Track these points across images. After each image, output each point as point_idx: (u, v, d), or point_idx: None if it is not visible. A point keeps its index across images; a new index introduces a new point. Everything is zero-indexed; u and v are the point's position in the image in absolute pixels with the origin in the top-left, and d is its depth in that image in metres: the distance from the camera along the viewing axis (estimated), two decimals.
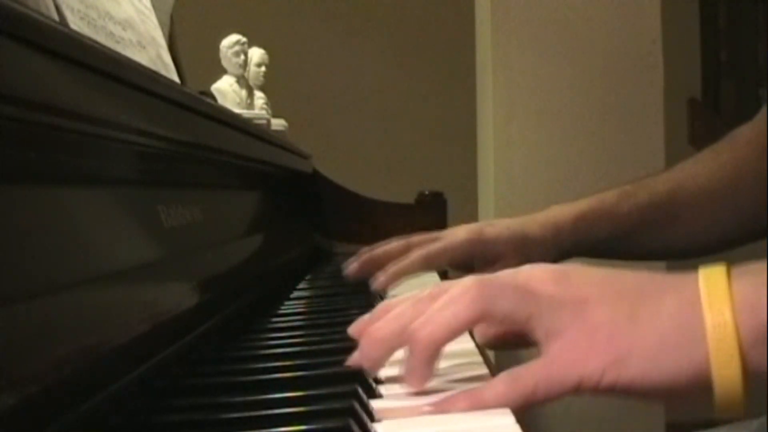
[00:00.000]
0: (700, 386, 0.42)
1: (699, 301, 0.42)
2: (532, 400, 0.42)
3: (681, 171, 0.84)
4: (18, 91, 0.35)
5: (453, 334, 0.44)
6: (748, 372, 0.41)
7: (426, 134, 2.66)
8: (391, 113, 2.67)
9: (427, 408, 0.42)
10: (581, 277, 0.46)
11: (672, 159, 1.75)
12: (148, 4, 0.82)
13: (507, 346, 0.51)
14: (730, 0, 2.27)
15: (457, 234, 0.82)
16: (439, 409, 0.42)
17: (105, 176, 0.50)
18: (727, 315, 0.41)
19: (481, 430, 0.39)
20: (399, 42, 2.69)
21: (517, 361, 0.44)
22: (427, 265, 0.80)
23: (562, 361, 0.42)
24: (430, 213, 1.27)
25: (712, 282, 0.42)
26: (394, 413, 0.41)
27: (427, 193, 1.30)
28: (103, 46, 0.48)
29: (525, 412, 0.42)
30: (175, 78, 0.83)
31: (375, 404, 0.42)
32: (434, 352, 0.44)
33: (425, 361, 0.44)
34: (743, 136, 0.81)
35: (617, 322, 0.43)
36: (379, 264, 0.80)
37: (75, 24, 0.60)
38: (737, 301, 0.41)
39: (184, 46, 1.04)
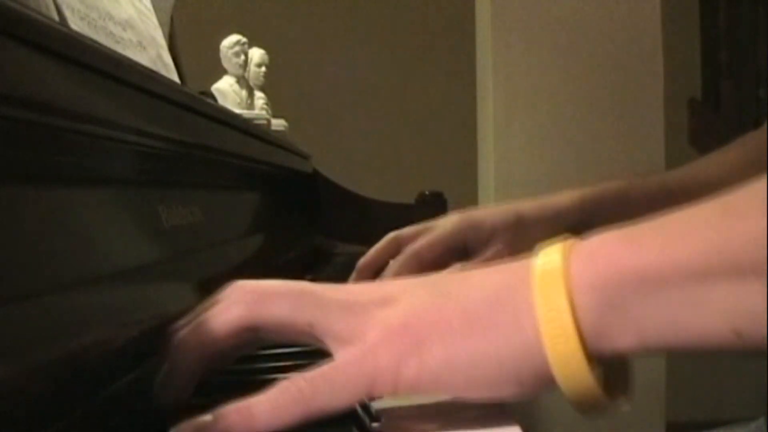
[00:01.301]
0: (528, 371, 0.33)
1: (528, 273, 0.34)
2: (310, 413, 0.35)
3: (691, 166, 0.83)
4: (18, 91, 0.35)
5: (218, 341, 0.39)
6: (598, 354, 0.33)
7: (426, 134, 2.66)
8: (391, 113, 2.67)
9: (187, 427, 0.35)
10: (392, 282, 0.40)
11: (672, 159, 1.76)
12: (149, 5, 0.82)
13: None
14: (730, 0, 2.27)
15: (446, 223, 0.79)
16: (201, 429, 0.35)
17: (105, 176, 0.50)
18: (560, 285, 0.33)
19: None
20: (399, 42, 2.69)
21: None
22: (419, 263, 0.77)
23: (348, 361, 0.35)
24: (430, 213, 1.27)
25: (547, 252, 0.35)
26: (394, 413, 0.41)
27: (427, 193, 1.30)
28: (103, 46, 0.48)
29: (524, 412, 0.40)
30: (175, 78, 0.83)
31: (375, 404, 0.42)
32: (197, 365, 0.39)
33: (186, 373, 0.39)
34: (752, 138, 0.80)
35: (415, 308, 0.35)
36: (376, 268, 0.79)
37: (75, 24, 0.60)
38: (574, 267, 0.34)
39: (184, 46, 1.04)
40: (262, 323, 0.38)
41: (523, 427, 0.38)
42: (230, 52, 1.18)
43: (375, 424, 0.39)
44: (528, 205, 0.80)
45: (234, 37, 1.19)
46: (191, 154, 0.67)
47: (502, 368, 0.34)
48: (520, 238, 0.77)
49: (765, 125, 0.78)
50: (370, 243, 0.85)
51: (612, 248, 0.34)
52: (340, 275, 0.84)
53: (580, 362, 0.32)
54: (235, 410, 0.35)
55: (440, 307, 0.35)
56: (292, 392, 0.35)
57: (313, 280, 0.96)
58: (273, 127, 1.23)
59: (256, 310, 0.38)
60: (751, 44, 2.27)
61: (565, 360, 0.32)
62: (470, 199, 1.83)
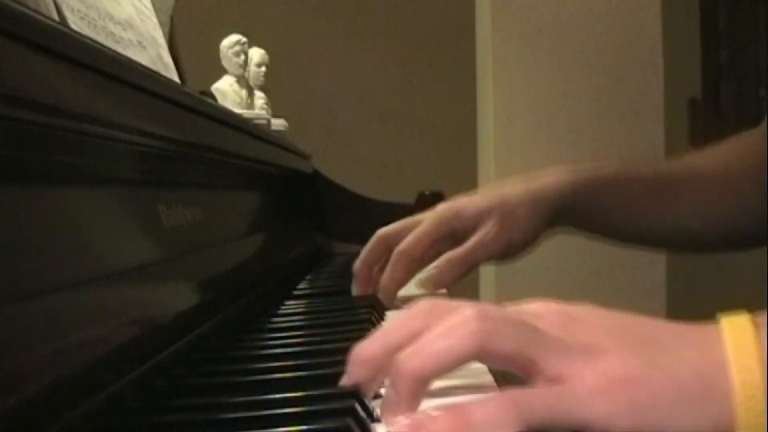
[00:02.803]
0: None
1: (724, 353, 0.38)
2: (526, 429, 0.36)
3: (687, 156, 0.83)
4: (18, 91, 0.35)
5: (443, 371, 0.38)
6: None
7: (426, 134, 2.66)
8: (391, 113, 2.67)
9: (404, 424, 0.36)
10: (593, 321, 0.41)
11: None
12: (149, 4, 0.82)
13: None
14: (730, 0, 2.27)
15: (430, 215, 0.78)
16: (417, 427, 0.36)
17: (105, 176, 0.50)
18: (756, 373, 0.37)
19: None
20: (399, 42, 2.69)
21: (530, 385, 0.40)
22: (410, 261, 0.76)
23: (570, 395, 0.37)
24: None
25: (737, 334, 0.38)
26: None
27: (427, 193, 1.30)
28: (104, 46, 0.48)
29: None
30: (175, 78, 0.83)
31: (375, 404, 0.42)
32: (419, 388, 0.38)
33: (408, 396, 0.38)
34: (749, 135, 0.80)
35: (634, 369, 0.38)
36: (368, 269, 0.79)
37: (75, 24, 0.60)
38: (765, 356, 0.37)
39: (184, 46, 1.04)
40: (488, 355, 0.38)
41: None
42: (230, 52, 1.18)
43: (375, 425, 0.39)
44: (513, 186, 0.80)
45: (234, 37, 1.19)
46: (191, 154, 0.67)
47: (697, 425, 0.37)
48: (508, 219, 0.76)
49: (763, 124, 0.78)
50: None
51: None
52: (341, 275, 0.84)
53: (763, 423, 0.37)
54: (452, 415, 0.36)
55: (656, 375, 0.38)
56: (508, 408, 0.36)
57: (313, 279, 0.96)
58: (273, 127, 1.23)
59: (487, 345, 0.38)
60: (751, 44, 2.27)
61: (754, 419, 0.37)
62: None
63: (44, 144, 0.40)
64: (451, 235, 0.78)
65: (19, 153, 0.38)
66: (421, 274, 0.77)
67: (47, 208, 0.40)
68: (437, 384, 0.41)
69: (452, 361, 0.38)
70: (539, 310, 0.41)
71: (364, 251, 0.80)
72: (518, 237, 0.78)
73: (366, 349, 0.42)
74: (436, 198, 1.29)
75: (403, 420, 0.36)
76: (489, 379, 0.47)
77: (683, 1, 2.07)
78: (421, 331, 0.39)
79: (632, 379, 0.37)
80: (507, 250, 0.78)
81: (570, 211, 0.79)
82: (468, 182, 1.90)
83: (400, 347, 0.39)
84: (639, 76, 1.71)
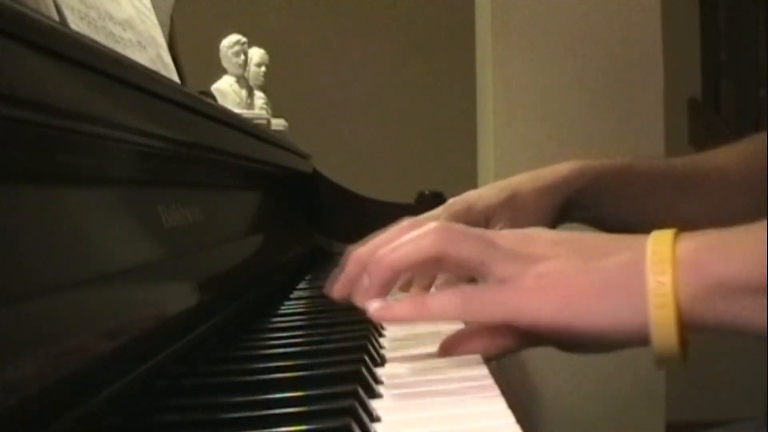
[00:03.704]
0: (637, 336, 0.45)
1: (644, 257, 0.45)
2: (470, 317, 0.49)
3: (698, 155, 0.83)
4: (18, 91, 0.35)
5: (410, 266, 0.50)
6: (685, 327, 0.44)
7: (426, 134, 2.66)
8: (391, 113, 2.67)
9: (376, 305, 0.49)
10: (542, 237, 0.49)
11: None
12: (148, 4, 0.82)
13: (507, 352, 0.52)
14: (730, 0, 2.27)
15: (439, 212, 0.77)
16: (384, 313, 0.49)
17: (105, 176, 0.50)
18: (667, 274, 0.44)
19: (481, 430, 0.39)
20: (399, 42, 2.69)
21: (530, 385, 0.46)
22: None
23: (509, 291, 0.46)
24: None
25: (659, 241, 0.45)
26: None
27: (427, 193, 1.30)
28: (103, 46, 0.48)
29: (525, 412, 0.41)
30: (175, 78, 0.83)
31: (375, 404, 0.42)
32: (391, 277, 0.49)
33: (380, 282, 0.49)
34: (759, 137, 0.80)
35: (565, 269, 0.46)
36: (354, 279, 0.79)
37: (75, 24, 0.60)
38: (680, 261, 0.44)
39: (184, 46, 1.04)
40: (447, 257, 0.48)
41: (523, 426, 0.38)
42: (230, 52, 1.18)
43: (375, 425, 0.40)
44: (523, 180, 0.80)
45: (234, 37, 1.19)
46: (191, 154, 0.67)
47: (618, 322, 0.45)
48: (519, 213, 0.76)
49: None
50: None
51: (706, 254, 0.44)
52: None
53: (672, 331, 0.44)
54: (414, 301, 0.49)
55: (585, 275, 0.46)
56: (458, 297, 0.47)
57: (313, 279, 0.96)
58: (273, 127, 1.23)
59: (447, 248, 0.48)
60: (751, 44, 2.27)
61: (663, 328, 0.44)
62: None
63: (44, 144, 0.40)
64: None
65: (19, 153, 0.38)
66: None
67: (47, 208, 0.40)
68: (438, 377, 0.47)
69: (418, 258, 0.49)
70: (501, 232, 0.51)
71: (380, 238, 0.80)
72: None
73: (359, 251, 0.53)
74: (436, 198, 1.29)
75: (375, 303, 0.49)
76: (485, 372, 0.47)
77: (683, 1, 2.07)
78: (434, 256, 0.49)
79: (562, 278, 0.46)
80: None
81: (579, 204, 0.79)
82: (468, 182, 1.89)
83: (414, 266, 0.50)
84: (639, 76, 1.70)
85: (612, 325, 0.45)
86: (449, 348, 0.51)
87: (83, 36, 0.46)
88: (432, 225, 0.49)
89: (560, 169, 0.80)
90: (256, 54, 1.28)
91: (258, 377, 0.48)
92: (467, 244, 0.48)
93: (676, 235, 0.46)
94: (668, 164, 0.81)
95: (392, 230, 0.53)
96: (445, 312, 0.48)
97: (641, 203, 0.79)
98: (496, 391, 0.43)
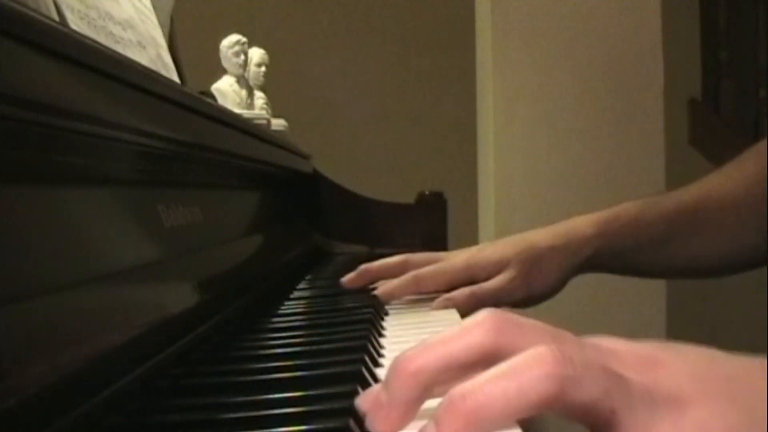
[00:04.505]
0: None
1: None
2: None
3: (706, 182, 0.81)
4: (18, 91, 0.35)
5: (506, 418, 0.31)
6: None
7: (426, 134, 2.66)
8: (391, 113, 2.67)
9: None
10: (676, 364, 0.35)
11: (672, 159, 1.76)
12: (148, 4, 0.82)
13: None
14: (730, 0, 2.27)
15: (456, 260, 0.78)
16: None
17: (105, 176, 0.50)
18: None
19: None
20: (399, 42, 2.69)
21: None
22: (416, 286, 0.77)
23: None
24: (430, 213, 1.27)
25: None
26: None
27: (427, 193, 1.30)
28: (103, 46, 0.48)
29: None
30: (175, 78, 0.83)
31: None
32: (496, 423, 0.31)
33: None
34: (759, 148, 0.79)
35: (728, 420, 0.32)
36: (376, 277, 0.79)
37: (75, 24, 0.60)
38: None
39: (184, 46, 1.04)
40: (565, 402, 0.31)
41: (523, 426, 0.38)
42: (230, 52, 1.18)
43: None
44: (540, 236, 0.79)
45: (234, 37, 1.19)
46: (191, 154, 0.67)
47: None
48: (534, 268, 0.76)
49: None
50: (370, 243, 0.85)
51: None
52: (340, 275, 0.84)
53: None
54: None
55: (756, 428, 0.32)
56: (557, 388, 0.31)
57: (313, 279, 0.96)
58: (273, 127, 1.23)
59: (566, 392, 0.31)
60: (751, 44, 2.27)
61: None
62: (470, 199, 1.83)
63: (44, 144, 0.40)
64: (470, 281, 0.77)
65: (19, 153, 0.38)
66: (437, 300, 0.75)
67: (47, 208, 0.40)
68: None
69: (521, 407, 0.31)
70: (617, 348, 0.34)
71: (384, 261, 0.80)
72: (540, 284, 0.78)
73: (418, 360, 0.33)
74: (436, 198, 1.29)
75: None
76: None
77: (683, 1, 2.07)
78: (488, 350, 0.33)
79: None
80: (530, 297, 0.78)
81: (594, 263, 0.80)
82: (468, 182, 1.90)
83: (460, 364, 0.33)
84: (639, 76, 1.71)
85: None
86: None
87: (83, 36, 0.46)
88: (540, 349, 0.31)
89: (579, 229, 0.79)
90: (256, 54, 1.28)
91: (258, 377, 0.47)
92: (592, 384, 0.31)
93: None
94: (678, 203, 0.80)
95: (473, 326, 0.34)
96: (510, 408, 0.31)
97: (656, 251, 0.79)
98: None
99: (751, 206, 0.77)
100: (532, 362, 0.31)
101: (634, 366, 0.33)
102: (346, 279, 0.80)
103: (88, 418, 0.36)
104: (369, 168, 2.48)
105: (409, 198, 1.31)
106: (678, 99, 1.95)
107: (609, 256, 0.79)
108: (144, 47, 0.75)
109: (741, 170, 0.79)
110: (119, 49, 0.67)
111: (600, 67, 1.70)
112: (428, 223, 1.24)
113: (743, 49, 2.28)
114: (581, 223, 0.79)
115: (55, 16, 0.58)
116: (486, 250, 0.79)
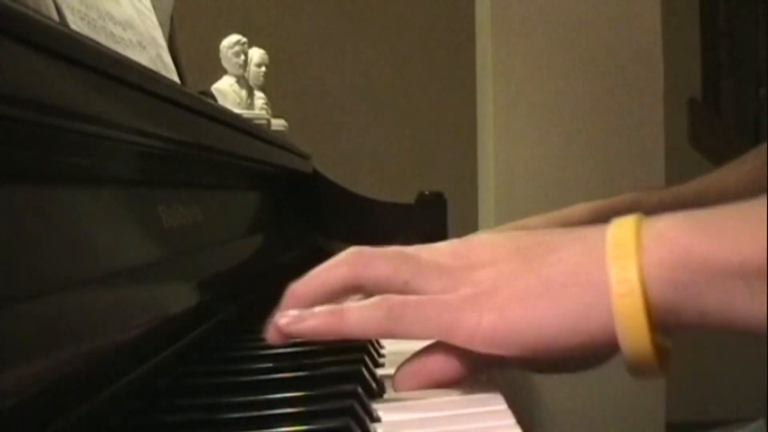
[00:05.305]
0: (601, 340, 0.37)
1: (602, 245, 0.38)
2: (390, 334, 0.41)
3: (705, 179, 0.81)
4: (18, 91, 0.35)
5: (324, 297, 0.44)
6: (659, 322, 0.36)
7: (426, 134, 2.66)
8: (391, 113, 2.67)
9: (290, 315, 0.43)
10: (476, 241, 0.44)
11: (672, 159, 1.75)
12: (148, 4, 0.82)
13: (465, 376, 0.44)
14: (730, 0, 2.27)
15: (446, 246, 0.79)
16: (292, 328, 0.43)
17: (105, 176, 0.50)
18: (631, 258, 0.36)
19: (480, 430, 0.39)
20: (399, 42, 2.69)
21: (530, 386, 0.41)
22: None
23: (436, 302, 0.40)
24: (430, 213, 1.27)
25: (621, 226, 0.39)
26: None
27: (427, 193, 1.30)
28: (103, 46, 0.48)
29: (524, 412, 0.40)
30: (175, 78, 0.83)
31: (375, 404, 0.42)
32: (297, 301, 0.45)
33: (289, 303, 0.45)
34: (761, 150, 0.79)
35: (504, 273, 0.40)
36: None
37: (75, 24, 0.60)
38: (649, 242, 0.37)
39: (184, 46, 1.04)
40: (363, 282, 0.43)
41: (523, 427, 0.38)
42: (230, 52, 1.18)
43: (374, 425, 0.40)
44: (535, 221, 0.80)
45: (234, 37, 1.19)
46: (191, 154, 0.67)
47: (571, 323, 0.38)
48: None
49: None
50: (370, 243, 0.85)
51: (682, 233, 0.37)
52: None
53: (642, 325, 0.36)
54: (330, 312, 0.42)
55: (525, 276, 0.39)
56: (382, 309, 0.41)
57: None
58: (273, 127, 1.23)
59: (359, 271, 0.43)
60: (751, 44, 2.27)
61: (629, 321, 0.36)
62: (470, 199, 1.83)
63: (44, 144, 0.40)
64: None
65: (19, 153, 0.38)
66: None
67: (47, 208, 0.40)
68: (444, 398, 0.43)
69: (331, 288, 0.44)
70: (428, 245, 0.45)
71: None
72: None
73: (300, 289, 0.47)
74: (436, 198, 1.29)
75: (284, 317, 0.43)
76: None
77: (683, 1, 2.07)
78: (348, 282, 0.45)
79: (502, 282, 0.39)
80: None
81: None
82: (468, 182, 1.90)
83: (330, 293, 0.45)
84: (639, 75, 1.71)
85: (566, 328, 0.37)
86: (403, 382, 0.44)
87: (83, 36, 0.46)
88: (342, 253, 0.45)
89: (574, 215, 0.79)
90: (256, 54, 1.28)
91: (258, 377, 0.48)
92: (382, 262, 0.43)
93: (640, 218, 0.39)
94: (677, 195, 0.80)
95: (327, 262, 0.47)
96: (365, 328, 0.41)
97: None
98: (497, 391, 0.43)
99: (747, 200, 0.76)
100: (337, 258, 0.45)
101: (438, 251, 0.43)
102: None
103: (88, 418, 0.36)
104: (369, 168, 2.49)
105: (409, 198, 1.31)
106: (678, 99, 1.95)
107: None
108: (144, 47, 0.75)
109: (740, 167, 0.79)
110: (119, 49, 0.67)
111: (600, 67, 1.70)
112: (428, 223, 1.24)
113: (743, 49, 2.28)
114: (577, 210, 0.79)
115: (55, 16, 0.58)
116: (480, 236, 0.79)
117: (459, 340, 0.40)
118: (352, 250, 0.44)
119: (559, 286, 0.38)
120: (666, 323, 0.37)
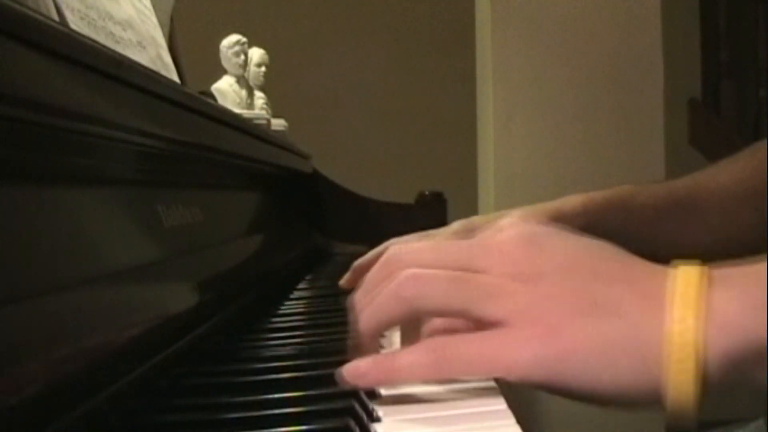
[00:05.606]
0: (645, 402, 0.39)
1: (663, 301, 0.38)
2: (447, 377, 0.41)
3: (700, 173, 0.82)
4: (18, 91, 0.35)
5: (383, 327, 0.45)
6: (705, 391, 0.37)
7: (426, 134, 2.66)
8: (391, 113, 2.67)
9: (345, 376, 0.41)
10: (553, 249, 0.43)
11: (672, 159, 1.75)
12: (148, 4, 0.82)
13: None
14: (730, 0, 2.27)
15: (444, 232, 0.77)
16: (351, 379, 0.41)
17: (105, 176, 0.50)
18: (690, 327, 0.37)
19: (480, 430, 0.39)
20: (399, 42, 2.69)
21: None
22: None
23: (495, 341, 0.39)
24: (430, 213, 1.27)
25: (684, 282, 0.39)
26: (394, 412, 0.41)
27: (427, 193, 1.30)
28: (103, 46, 0.48)
29: (525, 413, 0.41)
30: (175, 78, 0.83)
31: (375, 404, 0.42)
32: (368, 340, 0.44)
33: (363, 345, 0.45)
34: (761, 148, 0.79)
35: (564, 309, 0.39)
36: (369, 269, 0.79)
37: (75, 24, 0.60)
38: (712, 312, 0.37)
39: (184, 46, 1.04)
40: (421, 311, 0.43)
41: (523, 427, 0.38)
42: (230, 52, 1.18)
43: (374, 425, 0.39)
44: (530, 210, 0.80)
45: (234, 37, 1.19)
46: (191, 154, 0.67)
47: (623, 390, 0.38)
48: None
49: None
50: (370, 243, 0.85)
51: (750, 321, 0.37)
52: (340, 275, 0.83)
53: (692, 400, 0.37)
54: (376, 360, 0.42)
55: (583, 326, 0.39)
56: (429, 354, 0.40)
57: (313, 279, 0.96)
58: (273, 127, 1.23)
59: (417, 300, 0.41)
60: (751, 44, 2.27)
61: (681, 397, 0.37)
62: (470, 199, 1.83)
63: (44, 144, 0.40)
64: None
65: (19, 153, 0.38)
66: None
67: (47, 208, 0.40)
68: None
69: (389, 321, 0.44)
70: (503, 237, 0.43)
71: (374, 252, 0.80)
72: None
73: (361, 325, 0.46)
74: (436, 198, 1.30)
75: (347, 368, 0.42)
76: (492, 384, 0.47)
77: (683, 1, 2.07)
78: (406, 312, 0.43)
79: (559, 325, 0.38)
80: None
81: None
82: (468, 182, 1.90)
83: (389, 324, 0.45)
84: (639, 76, 1.71)
85: (617, 393, 0.39)
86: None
87: (83, 36, 0.46)
88: (398, 278, 0.42)
89: (568, 204, 0.79)
90: (256, 54, 1.28)
91: (258, 377, 0.48)
92: (438, 290, 0.41)
93: (703, 276, 0.39)
94: (670, 189, 0.80)
95: (374, 270, 0.47)
96: (414, 374, 0.41)
97: (645, 233, 0.79)
98: (497, 391, 0.43)
99: (746, 195, 0.77)
100: (391, 288, 0.42)
101: (504, 260, 0.42)
102: (343, 281, 0.80)
103: (88, 418, 0.36)
104: (369, 168, 2.48)
105: (409, 198, 1.31)
106: (678, 99, 1.95)
107: (595, 234, 0.80)
108: (144, 47, 0.75)
109: (733, 165, 0.80)
110: (119, 49, 0.67)
111: (600, 67, 1.70)
112: (428, 223, 1.24)
113: (743, 49, 2.28)
114: (571, 200, 0.79)
115: (55, 16, 0.58)
116: (475, 222, 0.79)
117: (510, 378, 0.40)
118: (407, 275, 0.42)
119: (620, 351, 0.38)
120: (709, 389, 0.38)
